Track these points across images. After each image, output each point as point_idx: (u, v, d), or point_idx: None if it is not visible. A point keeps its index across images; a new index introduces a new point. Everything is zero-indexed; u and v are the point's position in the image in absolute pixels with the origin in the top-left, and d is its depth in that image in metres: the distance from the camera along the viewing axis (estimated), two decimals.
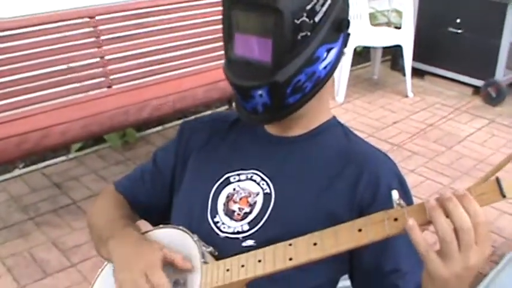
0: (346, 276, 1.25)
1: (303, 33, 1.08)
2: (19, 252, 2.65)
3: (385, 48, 4.85)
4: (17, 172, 3.38)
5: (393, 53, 5.07)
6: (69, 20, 3.10)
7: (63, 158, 3.54)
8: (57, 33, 3.05)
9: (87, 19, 3.14)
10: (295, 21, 1.06)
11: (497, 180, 0.89)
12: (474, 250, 0.85)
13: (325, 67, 1.14)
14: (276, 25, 1.07)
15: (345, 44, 1.20)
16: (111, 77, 3.21)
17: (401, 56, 4.52)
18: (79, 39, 3.13)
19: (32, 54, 2.95)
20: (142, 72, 3.28)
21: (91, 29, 3.15)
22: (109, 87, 3.20)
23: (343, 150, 1.21)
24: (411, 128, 4.04)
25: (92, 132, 2.73)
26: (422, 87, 4.81)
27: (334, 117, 1.29)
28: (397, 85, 4.83)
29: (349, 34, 1.21)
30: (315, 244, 0.99)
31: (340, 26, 1.14)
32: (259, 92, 1.11)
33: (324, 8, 1.10)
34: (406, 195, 1.14)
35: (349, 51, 4.31)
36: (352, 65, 4.98)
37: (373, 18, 5.64)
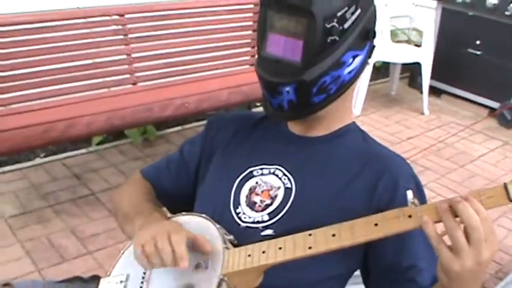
0: (354, 280, 1.31)
1: (332, 37, 1.14)
2: (37, 237, 2.72)
3: (404, 65, 4.90)
4: (37, 161, 3.46)
5: (412, 71, 5.12)
6: (100, 16, 3.17)
7: (83, 150, 3.62)
8: (87, 29, 3.13)
9: (117, 17, 3.21)
10: (326, 25, 1.13)
11: (505, 185, 0.97)
12: (484, 246, 0.92)
13: (349, 72, 1.20)
14: (309, 27, 1.13)
15: (369, 54, 1.26)
16: (137, 74, 3.29)
17: (420, 73, 4.58)
18: (108, 36, 3.20)
19: (62, 47, 3.02)
20: (167, 72, 3.36)
21: (120, 26, 3.22)
22: (134, 84, 3.28)
23: (362, 152, 1.27)
24: (425, 144, 4.08)
25: (114, 125, 2.81)
26: (438, 106, 4.85)
27: (354, 122, 1.35)
28: (413, 102, 4.88)
29: (374, 46, 1.28)
30: (333, 235, 1.05)
31: (367, 35, 1.21)
32: (287, 88, 1.17)
33: (354, 17, 1.16)
34: (421, 196, 1.20)
35: (368, 66, 4.37)
36: (371, 79, 5.03)
37: (393, 35, 5.69)
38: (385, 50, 4.55)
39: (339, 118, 1.30)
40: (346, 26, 1.15)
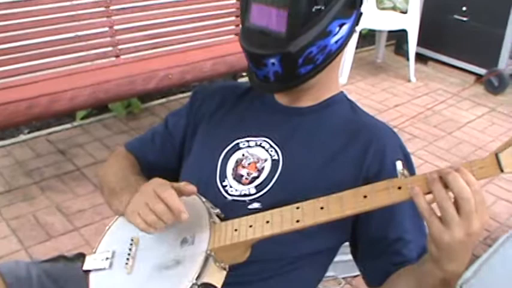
0: (342, 250, 1.30)
1: (318, 7, 1.12)
2: (23, 214, 2.69)
3: (390, 32, 4.87)
4: (22, 137, 3.42)
5: (398, 38, 5.09)
6: None
7: (68, 125, 3.58)
8: (68, 1, 3.06)
9: None
10: None
11: (496, 156, 0.94)
12: (475, 217, 0.91)
13: (336, 41, 1.18)
14: None
15: (357, 21, 1.24)
16: (119, 47, 3.22)
17: (406, 40, 4.55)
18: (89, 8, 3.13)
19: (42, 20, 2.95)
20: (150, 44, 3.29)
21: None
22: (117, 56, 3.22)
23: (350, 122, 1.26)
24: (412, 112, 4.08)
25: (98, 99, 2.76)
26: (425, 73, 4.83)
27: (342, 92, 1.34)
28: (400, 69, 4.86)
29: (361, 13, 1.25)
30: (321, 208, 1.03)
31: (354, 3, 1.18)
32: (272, 60, 1.15)
33: None
34: (410, 167, 1.19)
35: (355, 33, 4.33)
36: (357, 47, 4.99)
37: (379, 2, 5.64)
38: (370, 17, 4.51)
39: (327, 88, 1.29)
40: None
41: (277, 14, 1.14)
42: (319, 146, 1.23)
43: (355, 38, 4.35)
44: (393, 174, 1.00)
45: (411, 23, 4.49)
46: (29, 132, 3.48)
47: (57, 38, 2.98)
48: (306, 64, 1.16)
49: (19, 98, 2.52)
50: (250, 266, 1.13)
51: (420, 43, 4.66)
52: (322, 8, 1.12)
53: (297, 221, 1.04)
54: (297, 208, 1.06)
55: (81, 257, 1.28)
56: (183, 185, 1.12)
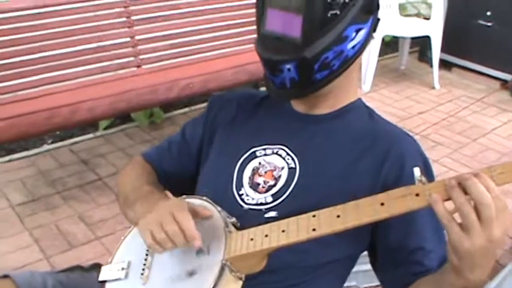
0: (362, 260, 1.28)
1: (333, 12, 1.10)
2: (46, 224, 2.71)
3: (413, 39, 4.82)
4: (45, 147, 3.46)
5: (421, 44, 5.05)
6: None
7: (90, 135, 3.61)
8: (89, 12, 3.09)
9: None
10: None
11: None
12: (495, 223, 0.89)
13: (353, 47, 1.16)
14: (307, 2, 1.10)
15: (374, 27, 1.22)
16: (141, 56, 3.23)
17: (430, 47, 4.50)
18: (111, 19, 3.16)
19: (64, 32, 2.98)
20: (171, 54, 3.31)
21: (122, 8, 3.18)
22: (138, 66, 3.23)
23: (368, 130, 1.24)
24: (436, 119, 4.02)
25: (119, 109, 2.77)
26: (449, 79, 4.77)
27: (360, 99, 1.32)
28: (424, 76, 4.81)
29: (378, 19, 1.24)
30: (338, 216, 1.02)
31: (371, 8, 1.17)
32: (288, 66, 1.14)
33: None
34: (429, 174, 1.17)
35: (377, 40, 4.31)
36: (380, 54, 4.95)
37: (402, 9, 5.61)
38: (393, 24, 4.49)
39: (344, 95, 1.27)
40: None
41: (292, 19, 1.13)
42: (336, 154, 1.21)
43: (378, 44, 4.33)
44: (412, 181, 0.98)
45: (434, 29, 4.44)
46: (52, 142, 3.51)
47: (79, 49, 3.01)
48: (322, 70, 1.15)
49: (41, 108, 2.54)
50: (268, 275, 1.12)
51: (444, 49, 4.60)
52: (338, 12, 1.11)
53: (313, 230, 1.02)
54: (313, 216, 1.04)
55: (97, 267, 1.29)
56: (201, 209, 1.12)
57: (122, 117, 3.71)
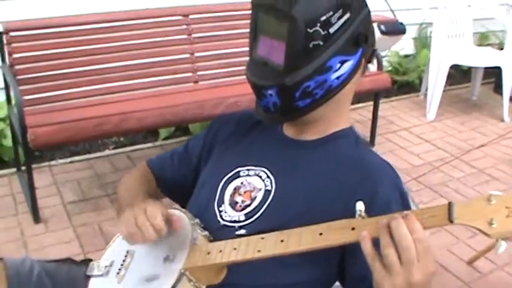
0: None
1: (315, 42, 1.15)
2: (90, 223, 2.89)
3: (488, 69, 4.69)
4: (106, 152, 3.67)
5: (497, 75, 4.89)
6: (165, 16, 3.33)
7: (150, 144, 3.78)
8: (152, 28, 3.28)
9: (181, 17, 3.34)
10: (308, 30, 1.14)
11: (449, 205, 0.92)
12: (416, 267, 0.89)
13: (338, 77, 1.19)
14: (290, 31, 1.15)
15: (368, 58, 1.26)
16: (198, 73, 3.40)
17: (501, 78, 4.37)
18: (172, 35, 3.34)
19: (128, 45, 3.21)
20: (225, 72, 3.44)
21: (184, 26, 3.35)
22: (195, 82, 3.39)
23: (350, 158, 1.26)
24: (498, 153, 3.90)
25: (166, 121, 2.95)
26: None
27: (351, 127, 1.34)
28: (495, 108, 4.65)
29: (375, 50, 1.27)
30: (282, 241, 1.06)
31: (357, 41, 1.19)
32: (270, 92, 1.20)
33: (341, 21, 1.16)
34: (405, 206, 1.18)
35: (443, 70, 4.24)
36: (453, 84, 4.87)
37: (483, 38, 5.47)
38: (465, 53, 4.41)
39: (333, 122, 1.30)
40: (331, 30, 1.15)
41: (277, 46, 1.19)
42: (313, 180, 1.24)
43: (443, 74, 4.24)
44: (384, 211, 1.00)
45: (506, 60, 4.32)
46: (113, 148, 3.72)
47: (136, 63, 3.20)
48: (304, 98, 1.19)
49: (90, 115, 2.75)
50: None
51: None
52: (321, 43, 1.15)
53: (258, 251, 1.07)
54: (262, 238, 1.09)
55: (88, 262, 1.39)
56: (175, 218, 1.19)
57: (181, 129, 3.87)
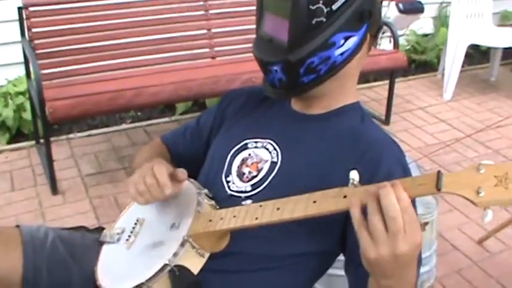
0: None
1: (318, 19, 1.17)
2: (106, 195, 2.96)
3: (508, 49, 4.63)
4: (123, 126, 3.72)
5: None
6: None
7: (166, 119, 3.83)
8: (170, 4, 3.32)
9: None
10: (311, 6, 1.16)
11: (438, 173, 0.92)
12: (402, 237, 0.89)
13: (342, 53, 1.21)
14: (293, 8, 1.17)
15: (375, 34, 1.27)
16: (216, 49, 3.43)
17: None
18: (189, 11, 3.37)
19: (144, 21, 3.25)
20: (242, 48, 3.45)
21: (201, 2, 3.38)
22: (213, 58, 3.42)
23: (354, 132, 1.28)
24: None
25: (180, 96, 2.99)
26: None
27: (357, 102, 1.36)
28: None
29: (380, 26, 1.29)
30: (278, 209, 1.09)
31: (362, 17, 1.20)
32: (275, 68, 1.23)
33: None
34: None
35: (461, 49, 4.21)
36: (472, 64, 4.83)
37: (503, 18, 5.41)
38: (484, 34, 4.36)
39: (339, 97, 1.32)
40: (334, 7, 1.17)
41: (281, 23, 1.21)
42: (318, 152, 1.27)
43: (461, 53, 4.22)
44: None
45: None
46: (131, 122, 3.78)
47: (155, 38, 3.25)
48: (309, 73, 1.21)
49: (105, 90, 2.81)
50: (229, 256, 1.21)
51: None
52: (324, 20, 1.17)
53: (256, 218, 1.11)
54: (260, 206, 1.12)
55: (101, 230, 1.44)
56: (179, 170, 1.24)
57: (198, 104, 3.91)
